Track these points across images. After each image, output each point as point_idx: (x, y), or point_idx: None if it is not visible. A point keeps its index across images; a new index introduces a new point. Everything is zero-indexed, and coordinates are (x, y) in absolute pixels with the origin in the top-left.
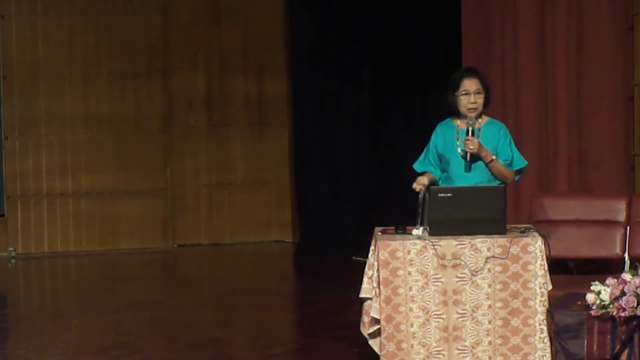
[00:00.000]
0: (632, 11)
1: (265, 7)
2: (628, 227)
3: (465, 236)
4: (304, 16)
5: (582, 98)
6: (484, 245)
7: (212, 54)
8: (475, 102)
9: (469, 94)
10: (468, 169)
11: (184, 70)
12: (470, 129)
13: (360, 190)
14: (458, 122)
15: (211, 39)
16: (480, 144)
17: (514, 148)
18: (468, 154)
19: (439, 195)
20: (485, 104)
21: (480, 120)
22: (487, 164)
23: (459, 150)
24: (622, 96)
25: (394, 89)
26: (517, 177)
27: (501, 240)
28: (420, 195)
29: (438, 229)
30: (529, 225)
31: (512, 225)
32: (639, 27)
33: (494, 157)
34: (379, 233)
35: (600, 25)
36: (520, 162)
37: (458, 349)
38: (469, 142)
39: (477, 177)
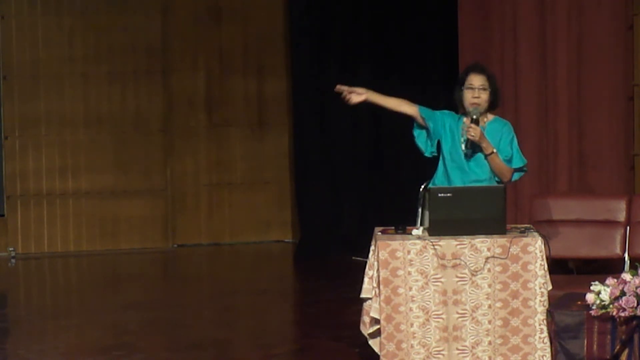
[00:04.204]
0: (632, 11)
1: (265, 7)
2: (628, 227)
3: (465, 236)
4: (304, 16)
5: (582, 98)
6: (483, 245)
7: (212, 54)
8: (478, 97)
9: (473, 88)
10: (469, 157)
11: (184, 70)
12: (473, 117)
13: (360, 190)
14: (465, 119)
15: (211, 39)
16: (482, 133)
17: (515, 146)
18: (469, 142)
19: (439, 195)
20: (493, 104)
21: (485, 118)
22: (486, 156)
23: (462, 146)
24: (622, 96)
25: (393, 89)
26: (516, 176)
27: (501, 240)
28: (420, 196)
29: (438, 229)
30: (529, 225)
31: (512, 225)
32: (639, 27)
33: (494, 150)
34: (379, 233)
35: (600, 25)
36: (519, 161)
37: (458, 349)
38: (470, 129)
39: (478, 172)
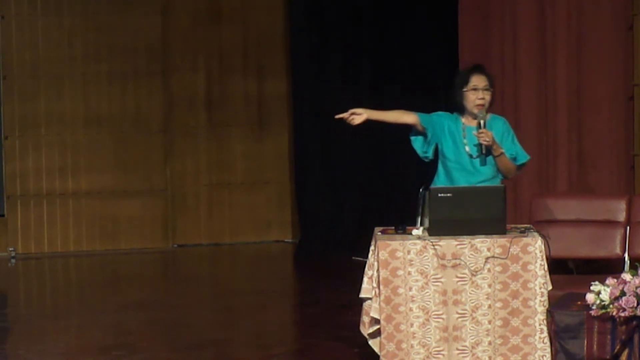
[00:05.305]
0: (632, 11)
1: (265, 7)
2: (628, 227)
3: (465, 236)
4: (304, 16)
5: (582, 98)
6: (484, 245)
7: (212, 54)
8: (483, 98)
9: (478, 89)
10: (483, 162)
11: (184, 70)
12: (482, 122)
13: (360, 190)
14: (463, 119)
15: (211, 39)
16: (493, 137)
17: (517, 142)
18: (483, 147)
19: (439, 195)
20: (490, 102)
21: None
22: (495, 158)
23: (467, 148)
24: (622, 96)
25: (393, 89)
26: (517, 172)
27: (501, 240)
28: (421, 196)
29: (438, 229)
30: (529, 225)
31: (512, 225)
32: (639, 27)
33: (502, 151)
34: (379, 233)
35: (600, 25)
36: (524, 156)
37: (458, 349)
38: (483, 134)
39: (486, 172)
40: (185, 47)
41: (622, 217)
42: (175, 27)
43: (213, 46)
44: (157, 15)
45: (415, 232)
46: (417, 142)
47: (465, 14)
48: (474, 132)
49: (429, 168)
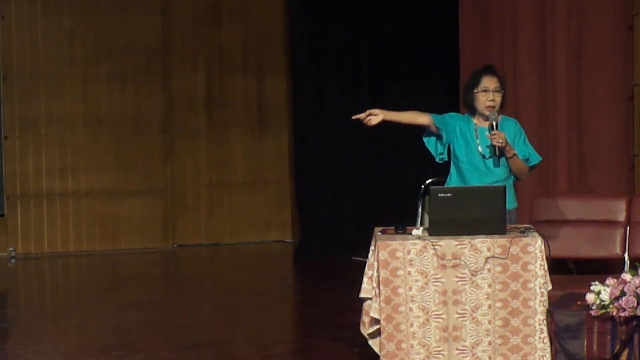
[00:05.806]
0: (632, 11)
1: (265, 7)
2: (628, 227)
3: (465, 236)
4: (303, 16)
5: (582, 98)
6: (483, 245)
7: (212, 54)
8: (493, 100)
9: (488, 91)
10: (497, 163)
11: (184, 70)
12: (494, 123)
13: (360, 190)
14: (475, 120)
15: (211, 39)
16: (506, 138)
17: (529, 144)
18: (497, 149)
19: (439, 195)
20: (502, 105)
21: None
22: (508, 159)
23: (480, 148)
24: (622, 96)
25: (393, 89)
26: (529, 173)
27: (501, 240)
28: (420, 195)
29: (438, 229)
30: (529, 225)
31: (512, 225)
32: (639, 27)
33: (515, 152)
34: (379, 233)
35: (600, 25)
36: (536, 157)
37: (458, 349)
38: (496, 135)
39: (500, 173)
40: (185, 47)
41: (622, 217)
42: (175, 27)
43: (213, 46)
44: (157, 15)
45: (415, 232)
46: (430, 144)
47: (465, 14)
48: (487, 133)
49: (427, 168)
